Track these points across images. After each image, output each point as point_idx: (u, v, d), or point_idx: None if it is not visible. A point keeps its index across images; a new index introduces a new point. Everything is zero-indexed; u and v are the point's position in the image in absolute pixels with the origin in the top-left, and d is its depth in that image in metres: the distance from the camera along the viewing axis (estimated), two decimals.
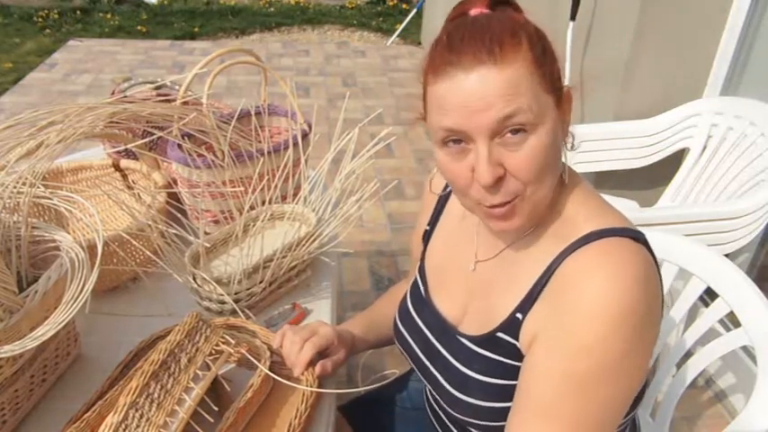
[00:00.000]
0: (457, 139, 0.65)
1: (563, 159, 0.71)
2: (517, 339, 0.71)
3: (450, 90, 0.63)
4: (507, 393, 0.71)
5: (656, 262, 0.69)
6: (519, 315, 0.71)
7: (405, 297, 0.94)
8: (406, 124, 3.63)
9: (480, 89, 0.61)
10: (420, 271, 0.91)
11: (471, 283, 0.81)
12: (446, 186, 0.90)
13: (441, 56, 0.64)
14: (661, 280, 0.69)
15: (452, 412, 0.79)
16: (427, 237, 0.92)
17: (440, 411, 0.87)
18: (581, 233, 0.67)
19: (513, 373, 0.71)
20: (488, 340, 0.75)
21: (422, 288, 0.90)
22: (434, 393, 0.83)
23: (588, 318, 0.61)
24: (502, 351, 0.73)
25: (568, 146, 0.74)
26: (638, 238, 0.67)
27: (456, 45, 0.63)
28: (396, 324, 0.93)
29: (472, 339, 0.77)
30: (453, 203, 0.89)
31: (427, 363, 0.84)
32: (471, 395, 0.75)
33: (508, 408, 0.71)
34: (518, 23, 0.65)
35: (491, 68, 0.61)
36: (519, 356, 0.71)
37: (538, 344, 0.67)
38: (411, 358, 0.88)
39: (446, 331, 0.82)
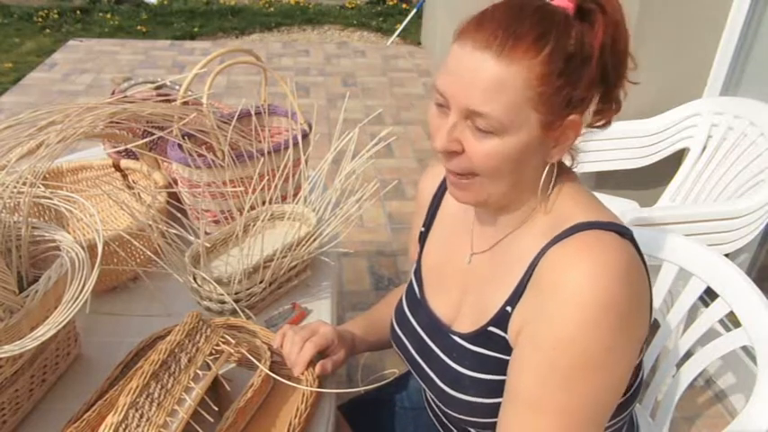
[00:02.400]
0: (441, 103, 0.67)
1: (553, 164, 0.71)
2: (506, 332, 0.71)
3: (456, 55, 0.65)
4: (500, 389, 0.71)
5: (643, 260, 0.68)
6: (508, 308, 0.71)
7: (401, 299, 0.94)
8: (407, 124, 3.63)
9: (473, 70, 0.62)
10: (416, 272, 0.92)
11: (467, 277, 0.82)
12: (439, 186, 0.90)
13: (469, 22, 0.66)
14: (649, 278, 0.69)
15: (448, 411, 0.79)
16: (423, 238, 0.92)
17: (438, 411, 0.87)
18: (566, 225, 0.68)
19: (505, 367, 0.71)
20: (481, 335, 0.75)
21: (417, 289, 0.90)
22: (430, 393, 0.83)
23: (569, 309, 0.61)
24: (494, 346, 0.73)
25: (574, 165, 0.75)
26: (625, 233, 0.67)
27: (483, 18, 0.64)
28: (392, 325, 0.93)
29: (464, 337, 0.78)
30: (448, 201, 0.89)
31: (422, 362, 0.84)
32: (465, 392, 0.75)
33: (500, 403, 0.71)
34: (559, 30, 0.61)
35: (492, 58, 0.61)
36: (509, 350, 0.71)
37: (523, 336, 0.67)
38: (406, 358, 0.89)
39: (439, 330, 0.83)
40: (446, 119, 0.67)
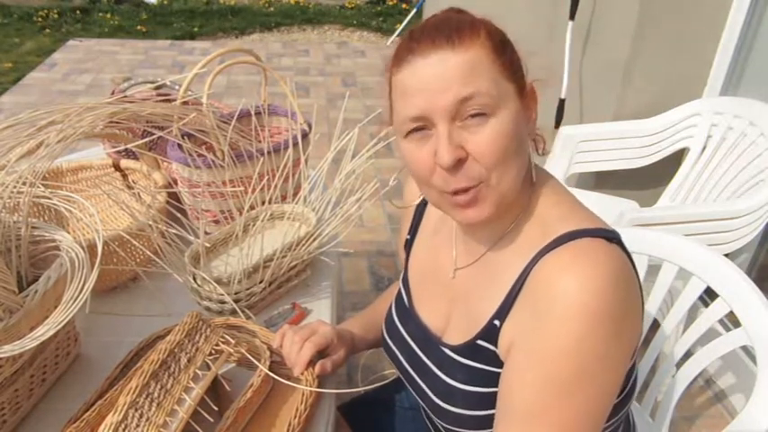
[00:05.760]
0: (420, 127, 0.66)
1: (531, 158, 0.72)
2: (496, 346, 0.71)
3: (410, 75, 0.65)
4: (490, 401, 0.71)
5: (632, 262, 0.68)
6: (497, 322, 0.70)
7: (390, 307, 0.93)
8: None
9: (438, 71, 0.63)
10: (403, 281, 0.91)
11: (452, 291, 0.81)
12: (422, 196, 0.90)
13: (402, 48, 0.67)
14: (639, 279, 0.69)
15: (440, 422, 0.79)
16: (408, 246, 0.92)
17: (429, 420, 0.87)
18: (553, 236, 0.67)
19: (495, 380, 0.70)
20: (469, 348, 0.74)
21: (405, 299, 0.90)
22: (423, 404, 0.83)
23: (562, 320, 0.61)
24: (483, 359, 0.73)
25: (538, 150, 0.75)
26: (612, 238, 0.67)
27: (416, 36, 0.66)
28: (383, 334, 0.93)
29: (454, 349, 0.77)
30: (431, 211, 0.89)
31: (413, 373, 0.84)
32: (455, 405, 0.75)
33: (491, 415, 0.71)
34: (477, 19, 0.68)
35: (448, 53, 0.63)
36: (499, 363, 0.71)
37: (516, 349, 0.67)
38: (398, 368, 0.89)
39: (429, 342, 0.82)
40: (430, 141, 0.66)
